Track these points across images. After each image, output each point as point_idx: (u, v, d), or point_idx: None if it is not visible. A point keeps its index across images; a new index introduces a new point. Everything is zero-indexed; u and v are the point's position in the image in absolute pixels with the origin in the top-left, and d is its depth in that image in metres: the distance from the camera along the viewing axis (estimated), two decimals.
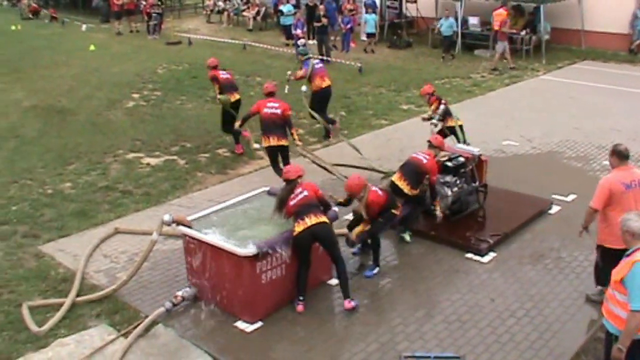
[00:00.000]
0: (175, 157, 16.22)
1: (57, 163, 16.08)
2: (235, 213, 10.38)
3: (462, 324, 9.15)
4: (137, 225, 12.40)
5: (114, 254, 11.47)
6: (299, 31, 27.76)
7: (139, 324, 9.15)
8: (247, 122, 14.90)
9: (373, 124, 18.70)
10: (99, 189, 14.43)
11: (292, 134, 14.12)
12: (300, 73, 17.51)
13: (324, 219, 9.49)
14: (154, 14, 35.28)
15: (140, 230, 12.08)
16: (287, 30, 31.08)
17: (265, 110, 13.96)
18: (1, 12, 47.38)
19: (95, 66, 26.67)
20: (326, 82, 17.45)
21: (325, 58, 26.23)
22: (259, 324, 9.21)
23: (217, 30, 36.33)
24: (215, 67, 17.00)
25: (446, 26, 26.95)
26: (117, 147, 17.01)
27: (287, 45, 30.12)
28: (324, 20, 26.92)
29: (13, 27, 39.03)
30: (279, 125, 13.89)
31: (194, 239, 9.54)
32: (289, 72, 18.04)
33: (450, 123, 14.98)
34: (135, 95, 22.13)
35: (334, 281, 10.18)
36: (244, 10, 37.35)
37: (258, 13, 36.02)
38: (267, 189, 11.21)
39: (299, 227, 9.35)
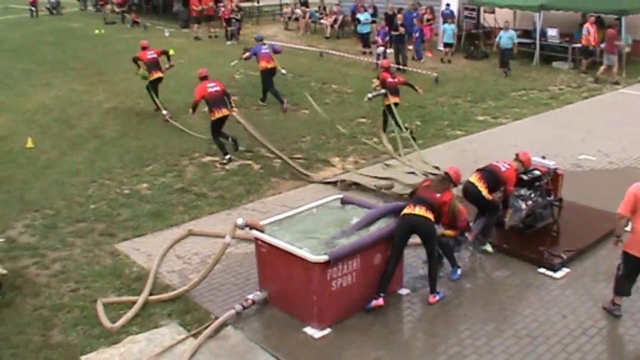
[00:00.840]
0: (250, 162, 16.39)
1: (135, 164, 16.44)
2: (308, 219, 10.43)
3: (532, 340, 9.01)
4: (210, 228, 12.58)
5: (187, 255, 11.65)
6: (379, 39, 27.72)
7: (209, 325, 9.27)
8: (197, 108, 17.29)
9: (448, 134, 18.58)
10: (174, 191, 14.69)
11: (231, 103, 17.20)
12: (245, 55, 22.63)
13: (428, 215, 9.62)
14: (233, 20, 35.68)
15: (213, 233, 12.24)
16: (364, 39, 31.11)
17: (209, 90, 16.70)
18: (86, 17, 48.50)
19: (173, 70, 27.03)
20: (271, 64, 21.66)
21: (402, 67, 26.19)
22: (328, 330, 9.23)
23: (294, 37, 36.53)
24: (144, 48, 21.10)
25: (506, 38, 26.16)
26: (193, 150, 17.28)
27: (364, 53, 30.16)
28: (402, 30, 26.86)
29: (97, 32, 39.95)
30: (222, 99, 16.83)
31: (266, 243, 9.62)
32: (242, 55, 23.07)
33: (389, 101, 17.78)
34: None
35: (404, 290, 10.18)
36: (321, 18, 37.49)
37: (335, 21, 36.10)
38: (340, 196, 11.25)
39: (405, 210, 9.75)
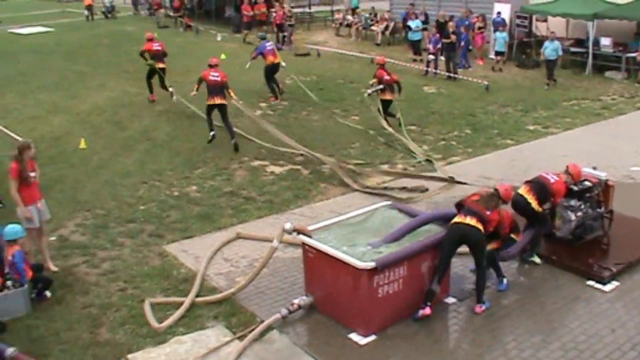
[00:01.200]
0: (299, 167, 16.44)
1: (185, 167, 16.61)
2: (356, 225, 10.42)
3: (579, 353, 8.89)
4: (258, 232, 12.64)
5: (235, 258, 11.74)
6: (430, 46, 27.60)
7: (254, 328, 9.33)
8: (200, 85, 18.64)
9: (498, 143, 18.43)
10: (223, 194, 14.81)
11: (230, 94, 18.34)
12: (253, 54, 24.53)
13: (479, 225, 9.61)
14: (286, 25, 35.83)
15: (261, 237, 12.30)
16: (414, 46, 31.01)
17: (210, 77, 18.11)
18: (139, 21, 49.01)
19: (225, 74, 27.25)
20: (277, 59, 23.77)
21: (452, 75, 26.07)
22: (373, 337, 9.22)
23: (345, 43, 36.55)
24: (150, 40, 23.26)
25: (551, 49, 25.40)
26: (242, 154, 17.38)
27: (415, 60, 30.06)
28: (453, 38, 26.72)
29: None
30: (220, 88, 18.00)
31: (313, 248, 9.65)
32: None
33: (385, 97, 19.88)
34: (263, 105, 22.55)
35: (451, 299, 10.13)
36: (372, 25, 37.44)
37: (387, 28, 36.03)
38: (389, 202, 11.23)
39: (456, 219, 9.76)
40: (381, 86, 19.84)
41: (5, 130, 19.66)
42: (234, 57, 31.92)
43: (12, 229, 10.46)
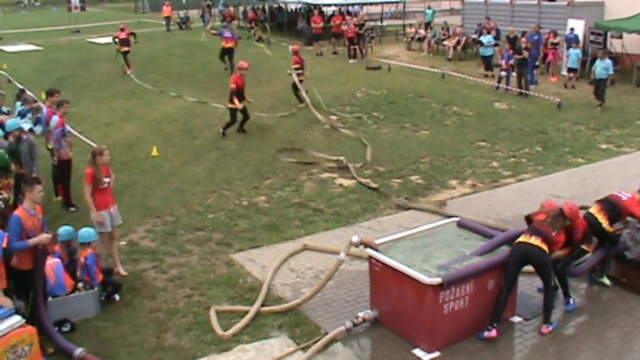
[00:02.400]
0: (367, 180, 16.40)
1: (254, 177, 16.74)
2: (423, 240, 10.36)
3: None
4: (325, 244, 12.64)
5: (301, 269, 11.76)
6: (502, 62, 27.30)
7: (318, 340, 9.33)
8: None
9: (569, 161, 18.12)
10: (291, 205, 14.87)
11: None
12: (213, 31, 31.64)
13: (543, 246, 9.52)
14: (368, 37, 35.88)
15: (327, 249, 12.30)
16: (486, 61, 30.73)
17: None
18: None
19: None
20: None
21: (524, 91, 25.76)
22: (437, 353, 9.14)
23: (416, 57, 36.44)
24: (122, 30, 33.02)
25: (601, 68, 24.19)
26: (312, 166, 17.43)
27: (486, 76, 29.77)
28: (525, 54, 26.38)
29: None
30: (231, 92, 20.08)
31: (379, 262, 9.62)
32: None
33: (303, 77, 24.71)
34: (333, 117, 22.59)
35: (517, 318, 9.99)
36: (444, 39, 37.24)
37: (458, 43, 35.79)
38: (457, 219, 11.14)
39: (521, 237, 9.69)
40: (300, 69, 24.87)
41: (81, 136, 20.11)
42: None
43: (86, 232, 10.70)
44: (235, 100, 20.16)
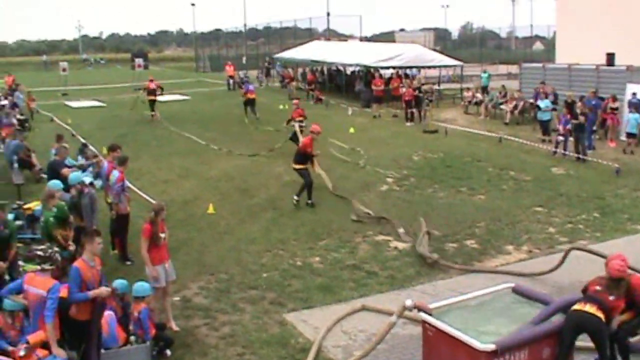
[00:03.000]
0: (425, 250, 16.26)
1: (309, 237, 16.77)
2: (478, 306, 10.24)
3: None
4: (379, 307, 12.55)
5: (353, 332, 11.68)
6: (560, 127, 27.10)
7: None
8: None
9: (628, 229, 17.77)
10: (345, 267, 14.83)
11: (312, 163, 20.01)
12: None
13: (599, 314, 9.29)
14: (425, 101, 36.03)
15: (385, 310, 12.18)
16: (544, 126, 30.53)
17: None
18: (271, 92, 50.47)
19: (353, 148, 27.63)
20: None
21: (581, 157, 25.50)
22: None
23: (473, 121, 36.41)
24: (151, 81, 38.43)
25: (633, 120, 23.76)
26: (367, 228, 17.41)
27: (544, 141, 29.55)
28: (581, 119, 26.15)
29: (281, 107, 41.47)
30: (298, 154, 19.87)
31: (433, 326, 9.51)
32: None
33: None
34: (390, 180, 22.61)
35: None
36: (502, 103, 37.18)
37: (516, 107, 35.66)
38: (512, 285, 11.00)
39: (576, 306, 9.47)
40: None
41: (139, 192, 20.43)
42: (363, 131, 32.39)
43: (141, 287, 10.82)
44: (317, 165, 20.33)
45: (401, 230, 16.98)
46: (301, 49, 58.82)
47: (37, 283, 9.12)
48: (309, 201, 19.47)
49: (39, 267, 9.21)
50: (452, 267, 14.76)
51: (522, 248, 16.19)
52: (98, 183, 17.98)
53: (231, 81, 55.29)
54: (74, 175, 15.12)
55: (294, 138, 26.14)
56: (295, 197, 19.37)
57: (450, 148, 27.73)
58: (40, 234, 13.96)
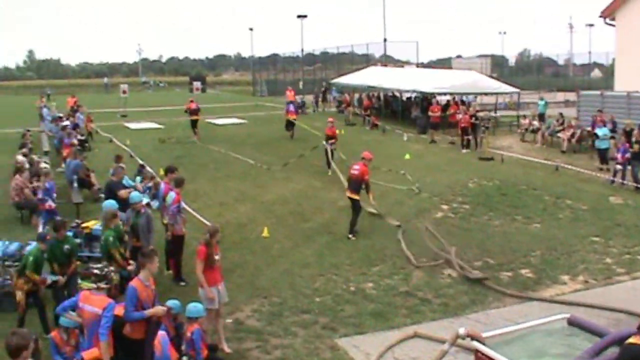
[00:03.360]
0: (476, 271, 16.15)
1: (363, 263, 16.78)
2: (531, 336, 10.12)
3: None
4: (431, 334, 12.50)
5: (405, 359, 11.66)
6: (618, 155, 26.73)
7: None
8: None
9: None
10: (399, 293, 14.80)
11: (367, 195, 19.48)
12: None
13: None
14: (482, 128, 35.87)
15: (437, 337, 12.13)
16: (601, 154, 30.12)
17: (351, 170, 19.63)
18: (327, 117, 50.50)
19: (408, 174, 27.60)
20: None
21: (638, 185, 25.09)
22: None
23: (530, 149, 36.06)
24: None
25: None
26: (419, 255, 17.34)
27: (601, 169, 29.14)
28: (636, 147, 25.74)
29: (337, 131, 41.48)
30: (355, 183, 19.11)
31: (486, 356, 9.44)
32: None
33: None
34: (445, 207, 22.52)
35: None
36: (559, 131, 36.78)
37: (573, 135, 35.23)
38: (567, 315, 10.86)
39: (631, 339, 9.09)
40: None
41: (195, 214, 20.67)
42: (418, 157, 32.34)
43: (195, 308, 10.92)
44: (372, 194, 19.78)
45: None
46: (358, 74, 59.09)
47: (93, 301, 9.28)
48: (352, 234, 19.06)
49: (94, 285, 9.37)
50: (503, 291, 14.74)
51: (578, 278, 15.98)
52: (155, 204, 18.28)
53: (291, 106, 55.86)
54: (135, 195, 15.43)
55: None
56: (350, 235, 18.93)
57: (506, 176, 27.52)
58: (101, 253, 14.23)
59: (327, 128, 30.86)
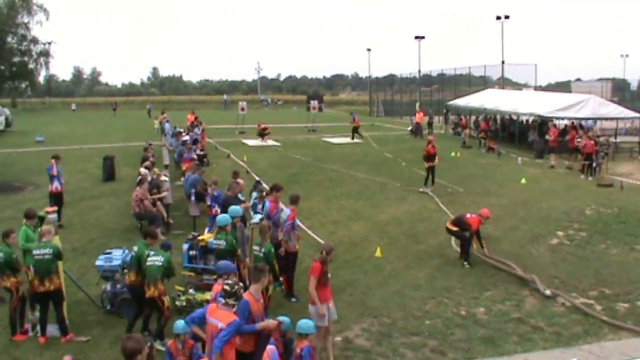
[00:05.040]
0: (592, 302, 15.80)
1: (475, 287, 16.64)
2: None
3: None
4: None
5: None
6: None
7: None
8: None
9: None
10: (510, 320, 14.60)
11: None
12: None
13: None
14: (601, 153, 35.07)
15: None
16: None
17: (465, 214, 19.43)
18: (444, 139, 50.29)
19: (524, 199, 27.19)
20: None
21: None
22: None
23: None
24: None
25: None
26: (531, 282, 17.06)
27: None
28: None
29: (453, 154, 41.44)
30: (463, 223, 18.95)
31: None
32: None
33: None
34: (560, 233, 22.06)
35: None
36: None
37: None
38: None
39: None
40: None
41: (309, 231, 20.95)
42: (534, 182, 31.82)
43: (306, 324, 11.02)
44: (478, 242, 19.26)
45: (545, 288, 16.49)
46: (475, 96, 58.57)
47: (219, 315, 9.45)
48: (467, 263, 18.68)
49: (222, 301, 9.56)
50: (600, 317, 14.43)
51: None
52: (256, 218, 18.63)
53: (419, 128, 56.24)
54: (233, 209, 15.61)
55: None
56: (465, 263, 18.57)
57: (625, 203, 26.75)
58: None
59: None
